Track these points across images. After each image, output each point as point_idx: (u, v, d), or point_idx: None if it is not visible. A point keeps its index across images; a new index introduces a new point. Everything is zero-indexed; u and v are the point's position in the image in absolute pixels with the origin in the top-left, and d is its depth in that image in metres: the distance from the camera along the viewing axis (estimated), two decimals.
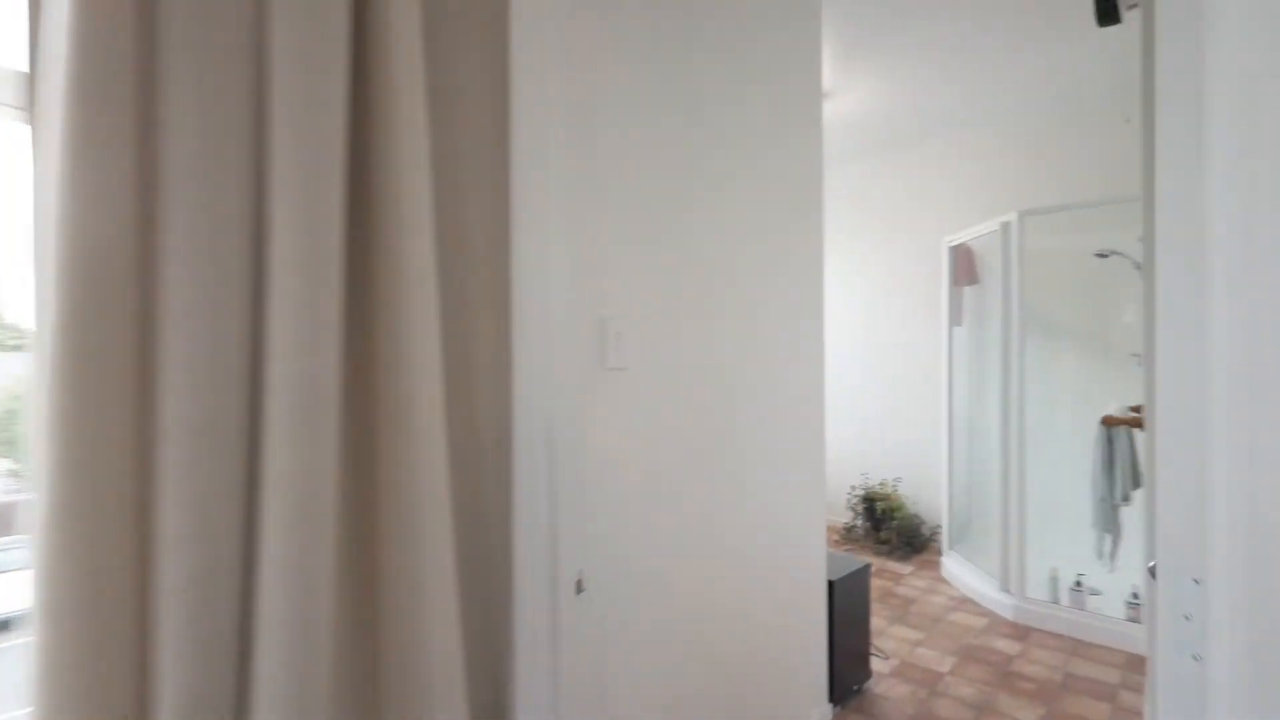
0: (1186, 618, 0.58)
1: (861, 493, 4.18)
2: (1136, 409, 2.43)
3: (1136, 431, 2.09)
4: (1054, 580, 3.05)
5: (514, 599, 1.04)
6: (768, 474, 1.78)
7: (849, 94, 3.31)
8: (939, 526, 3.97)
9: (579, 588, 1.18)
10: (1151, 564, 0.94)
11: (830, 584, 2.20)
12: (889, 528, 3.95)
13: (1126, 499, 2.16)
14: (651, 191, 1.41)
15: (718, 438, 1.61)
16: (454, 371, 1.00)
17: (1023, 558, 3.05)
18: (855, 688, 2.37)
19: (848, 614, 2.32)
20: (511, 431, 1.04)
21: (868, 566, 2.43)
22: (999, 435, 3.19)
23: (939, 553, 3.85)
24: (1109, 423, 2.14)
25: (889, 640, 2.82)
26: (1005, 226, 3.16)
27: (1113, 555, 2.42)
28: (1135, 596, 2.82)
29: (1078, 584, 2.99)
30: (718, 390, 1.60)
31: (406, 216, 0.84)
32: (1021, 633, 2.89)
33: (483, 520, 1.03)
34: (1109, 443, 2.20)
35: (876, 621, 2.96)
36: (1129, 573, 2.70)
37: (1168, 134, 0.61)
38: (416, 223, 0.86)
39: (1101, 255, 3.51)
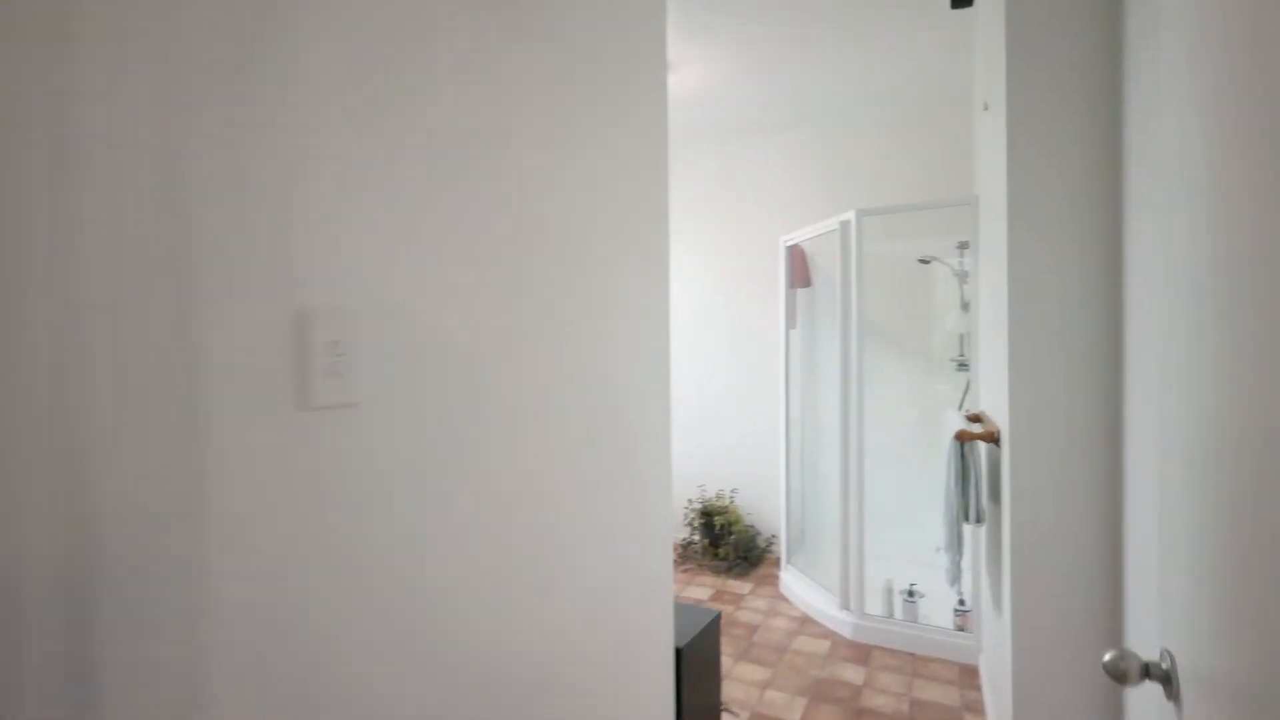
0: None
1: (699, 506, 3.89)
2: (975, 418, 2.33)
3: (988, 446, 1.94)
4: (889, 592, 2.98)
5: None
6: (601, 546, 1.27)
7: (690, 66, 2.95)
8: (774, 536, 3.82)
9: None
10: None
11: (678, 651, 1.76)
12: (727, 543, 3.71)
13: (980, 519, 2.02)
14: (414, 94, 0.81)
15: (526, 515, 1.05)
16: None
17: (861, 573, 2.93)
18: None
19: (697, 680, 1.91)
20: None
21: (717, 618, 2.04)
22: (839, 443, 3.05)
23: (776, 565, 3.69)
24: (964, 438, 1.98)
25: (736, 684, 2.49)
26: (844, 225, 3.01)
27: (959, 574, 2.31)
28: (961, 603, 2.82)
29: (910, 593, 2.95)
30: (529, 431, 1.05)
31: None
32: (863, 654, 2.75)
33: None
34: (962, 458, 2.05)
35: (724, 661, 2.63)
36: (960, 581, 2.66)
37: None
38: None
39: (924, 261, 3.58)
